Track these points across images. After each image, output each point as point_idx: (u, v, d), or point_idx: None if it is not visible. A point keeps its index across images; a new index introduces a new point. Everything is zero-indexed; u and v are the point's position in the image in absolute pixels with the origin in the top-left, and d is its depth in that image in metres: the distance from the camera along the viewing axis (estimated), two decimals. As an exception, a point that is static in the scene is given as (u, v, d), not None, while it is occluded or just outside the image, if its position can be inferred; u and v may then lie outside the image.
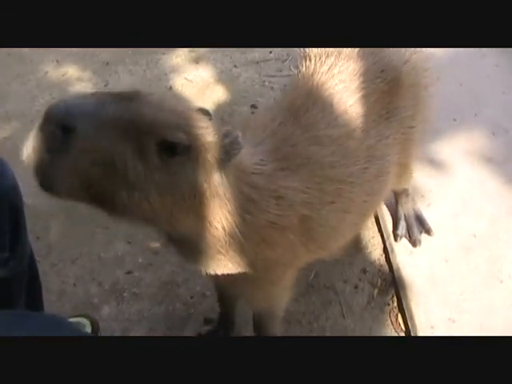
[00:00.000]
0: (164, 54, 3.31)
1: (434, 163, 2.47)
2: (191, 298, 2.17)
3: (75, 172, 0.96)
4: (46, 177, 0.98)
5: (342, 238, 1.61)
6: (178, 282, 2.21)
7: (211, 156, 1.09)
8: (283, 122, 1.39)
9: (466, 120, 2.65)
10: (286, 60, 3.15)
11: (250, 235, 1.25)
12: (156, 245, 2.29)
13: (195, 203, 1.10)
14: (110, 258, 2.28)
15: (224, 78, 3.10)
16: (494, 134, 2.57)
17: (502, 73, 2.88)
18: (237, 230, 1.21)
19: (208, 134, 1.09)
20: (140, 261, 2.27)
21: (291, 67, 3.06)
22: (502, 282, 2.10)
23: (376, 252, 2.33)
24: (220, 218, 1.18)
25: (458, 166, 2.46)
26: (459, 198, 2.35)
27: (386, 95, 1.51)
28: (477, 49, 2.99)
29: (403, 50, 1.60)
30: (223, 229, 1.20)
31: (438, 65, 2.78)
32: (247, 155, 1.22)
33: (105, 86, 3.13)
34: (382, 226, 2.37)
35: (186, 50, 3.33)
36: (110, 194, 1.01)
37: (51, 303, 2.05)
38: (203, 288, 2.17)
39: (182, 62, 3.25)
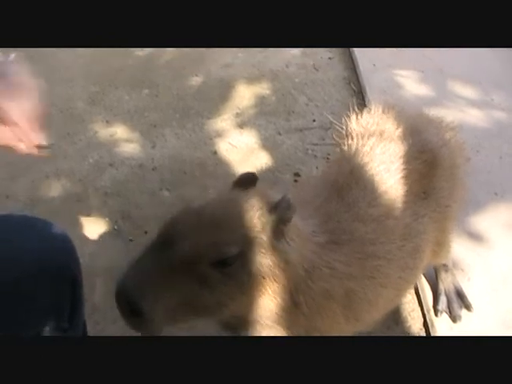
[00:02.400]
0: (209, 118, 3.50)
1: (474, 237, 2.53)
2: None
3: (159, 325, 1.18)
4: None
5: (378, 311, 1.67)
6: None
7: (267, 237, 1.21)
8: (328, 198, 1.51)
9: (507, 194, 2.71)
10: (329, 128, 3.26)
11: (305, 301, 1.35)
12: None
13: (265, 285, 1.24)
14: (151, 320, 2.37)
15: (268, 144, 3.23)
16: (536, 208, 2.62)
17: (545, 145, 2.95)
18: (295, 296, 1.32)
19: (257, 225, 1.21)
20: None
21: (334, 136, 3.17)
22: (543, 359, 2.13)
23: (416, 326, 2.36)
24: (284, 286, 1.29)
25: (498, 239, 2.51)
26: (499, 272, 2.40)
27: (425, 176, 1.63)
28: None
29: (441, 132, 1.73)
30: (282, 298, 1.30)
31: (477, 138, 2.94)
32: (302, 225, 1.33)
33: (152, 147, 3.32)
34: (423, 300, 2.42)
35: (231, 114, 3.51)
36: (192, 318, 1.23)
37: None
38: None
39: (227, 127, 3.42)
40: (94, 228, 2.83)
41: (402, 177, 1.59)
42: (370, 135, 1.66)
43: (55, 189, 3.13)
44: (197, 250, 1.14)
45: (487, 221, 2.59)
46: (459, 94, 3.32)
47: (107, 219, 2.88)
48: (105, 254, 2.66)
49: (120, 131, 3.49)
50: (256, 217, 1.21)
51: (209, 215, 1.21)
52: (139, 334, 1.22)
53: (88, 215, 2.92)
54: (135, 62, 4.24)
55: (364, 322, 1.66)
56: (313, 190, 1.50)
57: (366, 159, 1.61)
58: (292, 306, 1.33)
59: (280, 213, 1.22)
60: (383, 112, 1.74)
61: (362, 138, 1.68)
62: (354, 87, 3.61)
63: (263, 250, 1.21)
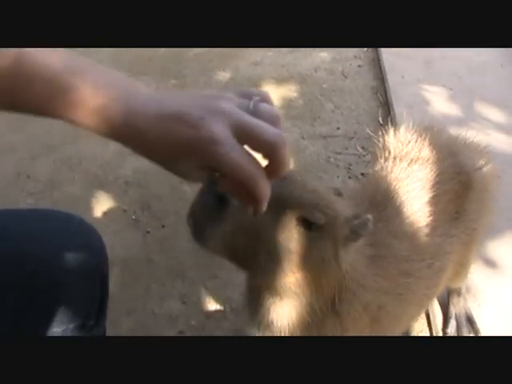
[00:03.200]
0: (235, 117, 3.51)
1: (489, 263, 2.53)
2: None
3: (225, 236, 1.12)
4: (199, 233, 1.13)
5: (400, 327, 1.71)
6: (226, 347, 2.31)
7: (340, 234, 1.23)
8: (367, 211, 1.50)
9: (527, 222, 2.70)
10: (352, 138, 3.27)
11: (347, 311, 1.37)
12: (210, 309, 2.40)
13: (317, 271, 1.24)
14: (164, 315, 2.38)
15: (291, 148, 3.21)
16: (555, 239, 2.61)
17: None
18: (337, 305, 1.34)
19: (341, 215, 1.23)
20: (193, 323, 2.35)
21: (357, 146, 3.19)
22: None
23: (423, 346, 2.38)
24: (330, 290, 1.31)
25: (512, 268, 2.51)
26: (510, 300, 2.39)
27: (459, 196, 1.65)
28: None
29: (477, 156, 1.76)
30: (324, 302, 1.32)
31: (500, 163, 2.88)
32: None
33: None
34: (432, 322, 2.42)
35: (256, 115, 3.52)
36: (251, 257, 1.17)
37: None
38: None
39: (252, 127, 3.42)
40: (111, 216, 2.87)
41: (438, 195, 1.62)
42: (408, 152, 1.69)
43: (76, 173, 3.17)
44: (302, 198, 1.16)
45: (503, 248, 2.58)
46: (486, 117, 3.32)
47: (126, 208, 2.91)
48: (121, 244, 2.69)
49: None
50: (343, 214, 1.24)
51: (314, 185, 1.23)
52: (195, 239, 1.14)
53: (107, 203, 2.96)
54: (165, 52, 4.27)
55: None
56: (352, 202, 1.52)
57: (402, 175, 1.63)
58: (330, 312, 1.35)
59: (357, 225, 1.24)
60: (422, 130, 1.76)
61: (400, 153, 1.70)
62: (381, 98, 3.63)
63: (333, 245, 1.23)
